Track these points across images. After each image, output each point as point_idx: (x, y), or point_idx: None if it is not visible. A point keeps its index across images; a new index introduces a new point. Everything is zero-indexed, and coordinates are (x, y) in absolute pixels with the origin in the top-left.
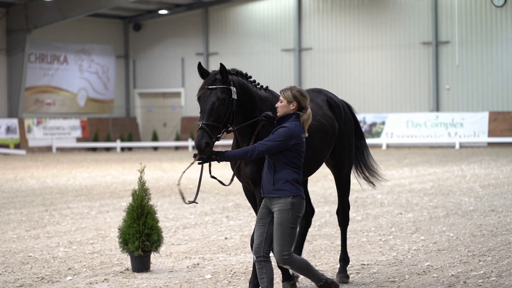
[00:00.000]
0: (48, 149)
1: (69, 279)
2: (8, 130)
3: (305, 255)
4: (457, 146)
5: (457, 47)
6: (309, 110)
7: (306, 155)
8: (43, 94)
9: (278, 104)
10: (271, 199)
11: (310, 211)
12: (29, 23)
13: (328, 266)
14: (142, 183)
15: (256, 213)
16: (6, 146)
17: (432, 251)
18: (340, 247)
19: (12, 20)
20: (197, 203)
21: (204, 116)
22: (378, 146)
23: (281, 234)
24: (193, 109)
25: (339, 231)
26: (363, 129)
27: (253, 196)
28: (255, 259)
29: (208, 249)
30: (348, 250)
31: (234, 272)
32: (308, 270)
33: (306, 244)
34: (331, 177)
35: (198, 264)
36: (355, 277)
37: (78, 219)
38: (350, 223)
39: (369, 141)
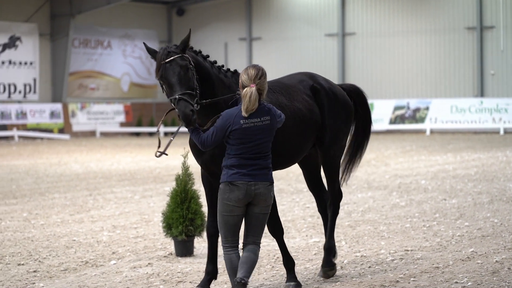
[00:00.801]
0: (92, 133)
1: (113, 263)
2: (52, 115)
3: (348, 240)
4: (502, 132)
5: (502, 32)
6: (246, 89)
7: (277, 141)
8: (87, 79)
9: None
10: None
11: (325, 198)
12: (73, 8)
13: (371, 251)
14: (185, 168)
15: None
16: (50, 131)
17: (476, 237)
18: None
19: (56, 5)
20: (167, 154)
21: (176, 89)
22: (422, 131)
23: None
24: None
25: (383, 217)
26: (406, 114)
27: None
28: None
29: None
30: (390, 236)
31: (277, 258)
32: (231, 275)
33: (349, 230)
34: (374, 162)
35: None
36: (398, 263)
37: (122, 203)
38: (394, 208)
39: (412, 126)
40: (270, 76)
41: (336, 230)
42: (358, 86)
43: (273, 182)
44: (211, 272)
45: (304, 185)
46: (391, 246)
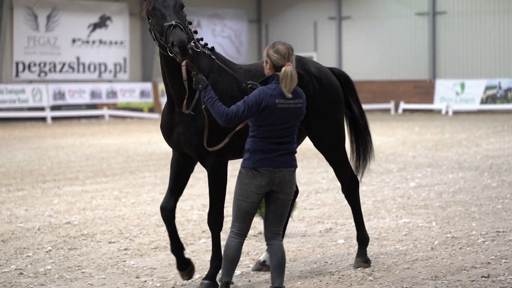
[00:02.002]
0: None
1: (203, 242)
2: (142, 94)
3: (439, 221)
4: None
5: None
6: (286, 68)
7: None
8: None
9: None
10: None
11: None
12: None
13: (462, 233)
14: None
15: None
16: (140, 110)
17: None
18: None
19: None
20: (193, 113)
21: (172, 17)
22: None
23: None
24: None
25: (474, 198)
26: (498, 94)
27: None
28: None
29: (340, 214)
30: (482, 217)
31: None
32: (225, 263)
33: (439, 210)
34: (465, 142)
35: (330, 229)
36: (489, 244)
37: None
38: (485, 189)
39: (504, 106)
40: (360, 56)
41: (426, 211)
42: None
43: (296, 167)
44: (177, 249)
45: (394, 165)
46: (482, 228)
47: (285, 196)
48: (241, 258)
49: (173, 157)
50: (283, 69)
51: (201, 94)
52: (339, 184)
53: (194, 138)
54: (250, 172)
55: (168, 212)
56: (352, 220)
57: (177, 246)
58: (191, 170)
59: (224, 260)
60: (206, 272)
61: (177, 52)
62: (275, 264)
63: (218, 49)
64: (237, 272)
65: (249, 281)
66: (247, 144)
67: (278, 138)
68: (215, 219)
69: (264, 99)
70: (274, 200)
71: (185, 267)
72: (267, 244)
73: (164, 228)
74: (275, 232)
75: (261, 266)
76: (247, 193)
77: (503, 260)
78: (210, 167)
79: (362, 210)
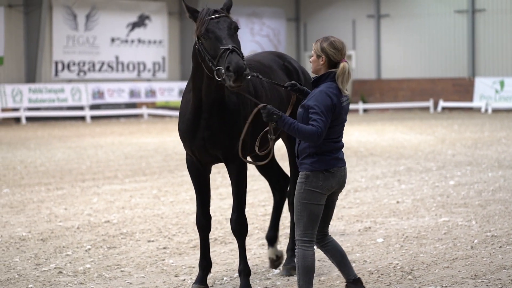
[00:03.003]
0: None
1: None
2: (181, 93)
3: (478, 219)
4: None
5: None
6: (344, 64)
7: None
8: None
9: (310, 59)
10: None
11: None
12: None
13: (502, 231)
14: None
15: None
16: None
17: None
18: None
19: None
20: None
21: (228, 41)
22: None
23: (295, 210)
24: (365, 72)
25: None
26: None
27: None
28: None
29: (379, 213)
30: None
31: (406, 237)
32: (306, 276)
33: (479, 209)
34: (505, 140)
35: (369, 227)
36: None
37: (250, 181)
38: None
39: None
40: (398, 54)
41: (466, 209)
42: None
43: None
44: (206, 267)
45: (433, 164)
46: None
47: (338, 195)
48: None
49: (191, 165)
50: (342, 65)
51: (278, 125)
52: (378, 183)
53: (224, 142)
54: (322, 174)
55: (207, 228)
56: (390, 219)
57: (208, 262)
58: (209, 173)
59: (304, 273)
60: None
61: (231, 77)
62: (339, 259)
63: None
64: (276, 270)
65: (288, 279)
66: (309, 148)
67: (338, 137)
68: (243, 223)
69: (333, 100)
70: (330, 202)
71: (204, 284)
72: (320, 247)
73: None
74: (325, 233)
75: (290, 270)
76: (320, 197)
77: None
78: (237, 170)
79: (402, 209)
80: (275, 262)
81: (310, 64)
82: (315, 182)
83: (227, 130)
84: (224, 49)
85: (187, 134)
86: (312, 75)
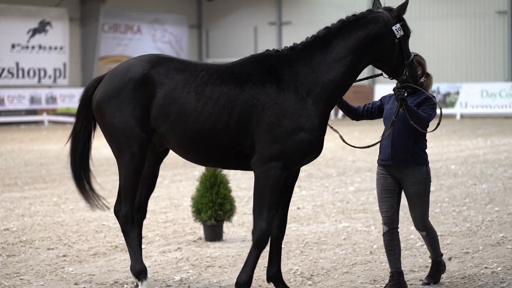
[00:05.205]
0: None
1: (143, 248)
2: None
3: (378, 225)
4: None
5: None
6: (431, 74)
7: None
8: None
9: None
10: (401, 167)
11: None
12: None
13: (401, 236)
14: None
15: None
16: None
17: (507, 222)
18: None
19: None
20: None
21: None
22: (452, 116)
23: (422, 204)
24: None
25: None
26: (436, 99)
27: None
28: (386, 230)
29: None
30: None
31: (307, 242)
32: (435, 242)
33: (378, 215)
34: None
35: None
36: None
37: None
38: None
39: (443, 111)
40: None
41: (365, 215)
42: None
43: None
44: (279, 273)
45: (333, 170)
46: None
47: None
48: (180, 264)
49: (278, 183)
50: (430, 75)
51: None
52: None
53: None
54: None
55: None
56: (291, 225)
57: (278, 268)
58: None
59: (437, 241)
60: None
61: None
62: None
63: None
64: (177, 277)
65: (188, 287)
66: (424, 145)
67: None
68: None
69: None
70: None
71: None
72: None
73: (103, 234)
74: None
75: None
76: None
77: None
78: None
79: (302, 215)
80: None
81: None
82: (430, 174)
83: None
84: (413, 56)
85: (316, 142)
86: None
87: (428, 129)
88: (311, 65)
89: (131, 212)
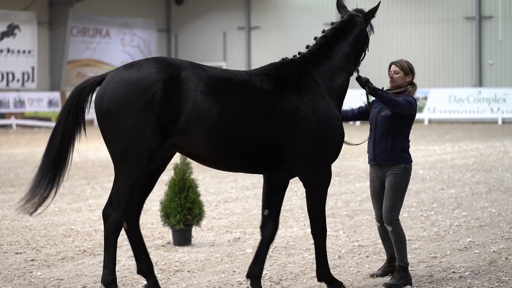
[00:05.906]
0: (90, 122)
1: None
2: (50, 103)
3: (346, 229)
4: (500, 122)
5: (501, 22)
6: (416, 84)
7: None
8: (85, 68)
9: (393, 75)
10: (383, 166)
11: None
12: None
13: (369, 241)
14: (183, 157)
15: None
16: (48, 119)
17: (474, 227)
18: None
19: None
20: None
21: None
22: (420, 121)
23: (394, 196)
24: None
25: None
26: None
27: None
28: (378, 225)
29: (249, 223)
30: None
31: (275, 247)
32: (401, 244)
33: (347, 219)
34: None
35: (239, 238)
36: None
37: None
38: None
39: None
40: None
41: (334, 219)
42: None
43: None
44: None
45: None
46: None
47: None
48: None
49: (329, 182)
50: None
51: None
52: (248, 193)
53: None
54: (411, 166)
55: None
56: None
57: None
58: None
59: (404, 246)
60: None
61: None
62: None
63: (127, 59)
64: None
65: None
66: (404, 145)
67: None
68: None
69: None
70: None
71: None
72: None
73: (71, 238)
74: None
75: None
76: (407, 186)
77: (409, 268)
78: None
79: None
80: None
81: None
82: (410, 172)
83: None
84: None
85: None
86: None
87: (357, 142)
88: (323, 72)
89: (122, 220)
